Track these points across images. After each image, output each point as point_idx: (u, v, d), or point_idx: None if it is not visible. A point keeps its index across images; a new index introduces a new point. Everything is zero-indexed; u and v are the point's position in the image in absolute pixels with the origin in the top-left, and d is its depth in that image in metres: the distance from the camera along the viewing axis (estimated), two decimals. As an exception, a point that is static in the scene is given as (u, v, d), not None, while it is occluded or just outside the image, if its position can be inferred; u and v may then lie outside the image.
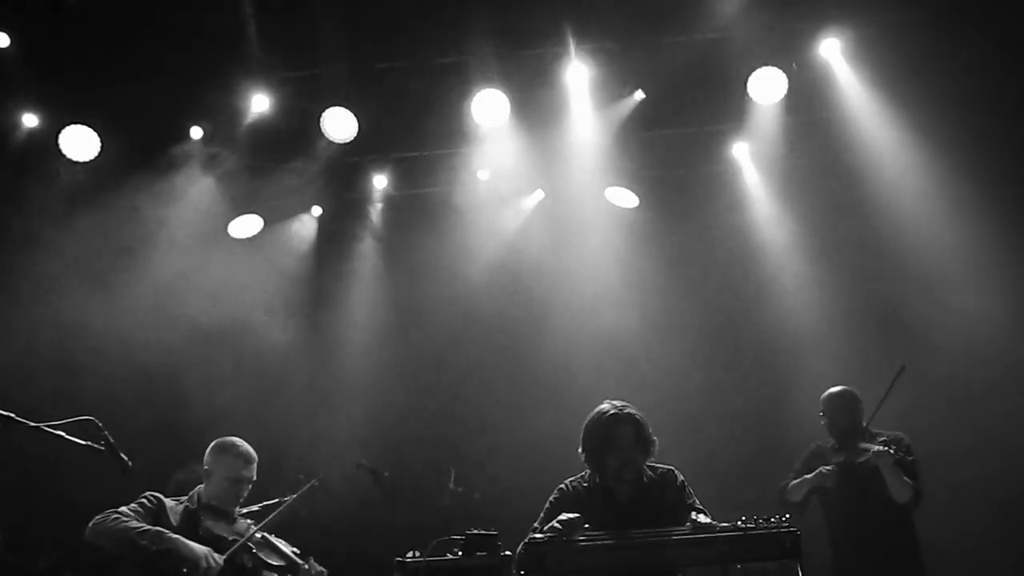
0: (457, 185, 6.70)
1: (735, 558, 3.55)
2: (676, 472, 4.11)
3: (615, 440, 3.94)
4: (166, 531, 3.93)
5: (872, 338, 6.03)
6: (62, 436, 3.57)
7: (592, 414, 4.05)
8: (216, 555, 3.94)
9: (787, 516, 3.56)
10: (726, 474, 5.60)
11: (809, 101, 6.03)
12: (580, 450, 4.05)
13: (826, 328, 6.20)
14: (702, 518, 3.63)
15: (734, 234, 6.62)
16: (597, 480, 4.03)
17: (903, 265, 6.16)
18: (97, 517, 3.95)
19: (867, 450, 4.88)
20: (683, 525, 3.64)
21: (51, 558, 5.99)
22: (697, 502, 3.98)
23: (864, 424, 5.08)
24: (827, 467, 4.93)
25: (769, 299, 6.46)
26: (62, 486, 5.55)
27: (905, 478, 4.82)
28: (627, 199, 6.76)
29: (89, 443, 3.65)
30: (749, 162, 6.58)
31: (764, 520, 3.52)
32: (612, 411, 4.00)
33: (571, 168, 6.55)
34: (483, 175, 6.84)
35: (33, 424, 3.48)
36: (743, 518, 3.55)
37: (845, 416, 5.09)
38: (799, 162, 6.27)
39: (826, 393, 5.21)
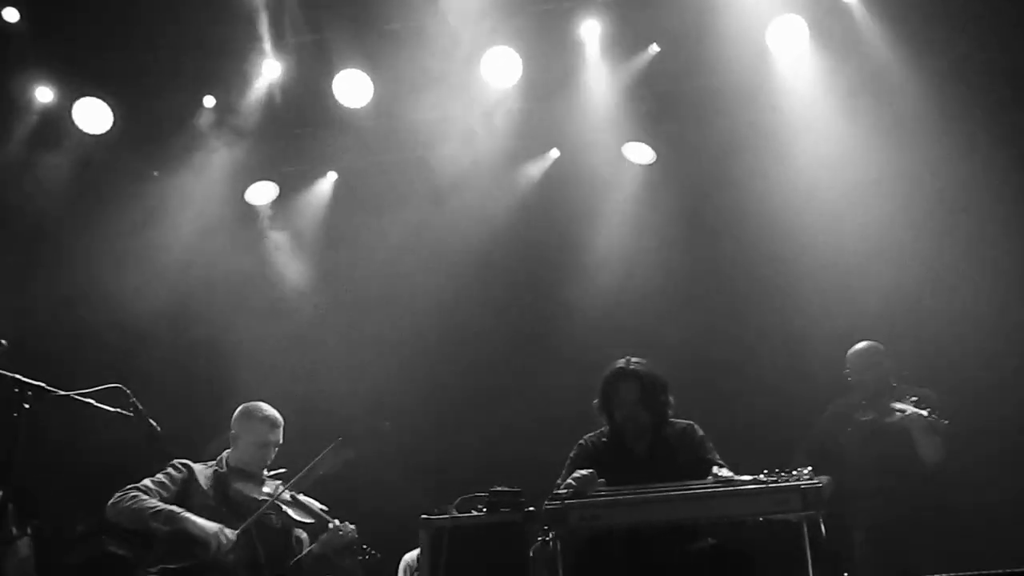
0: (472, 146, 6.67)
1: (757, 512, 3.58)
2: (696, 427, 4.13)
3: (619, 395, 3.99)
4: (179, 511, 3.99)
5: (903, 293, 5.93)
6: (92, 404, 3.64)
7: (607, 368, 4.09)
8: (228, 531, 3.99)
9: (809, 469, 3.58)
10: (747, 432, 5.59)
11: (831, 50, 5.91)
12: (596, 403, 4.10)
13: (854, 283, 6.12)
14: (724, 472, 3.66)
15: (753, 191, 6.55)
16: (614, 435, 4.07)
17: (937, 223, 6.03)
18: (116, 495, 4.03)
19: (898, 411, 4.82)
20: (703, 479, 3.67)
21: (87, 524, 6.12)
22: (717, 457, 4.00)
23: (893, 383, 5.01)
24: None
25: (793, 255, 6.40)
26: (94, 454, 5.65)
27: (937, 438, 4.76)
28: (644, 155, 6.70)
29: (119, 410, 3.72)
30: (769, 115, 6.49)
31: (786, 473, 3.54)
32: (618, 366, 4.04)
33: (586, 125, 6.50)
34: (497, 135, 6.80)
35: (63, 393, 3.55)
36: (765, 471, 3.57)
37: (872, 373, 5.02)
38: (820, 111, 6.15)
39: (852, 349, 5.15)
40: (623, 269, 6.54)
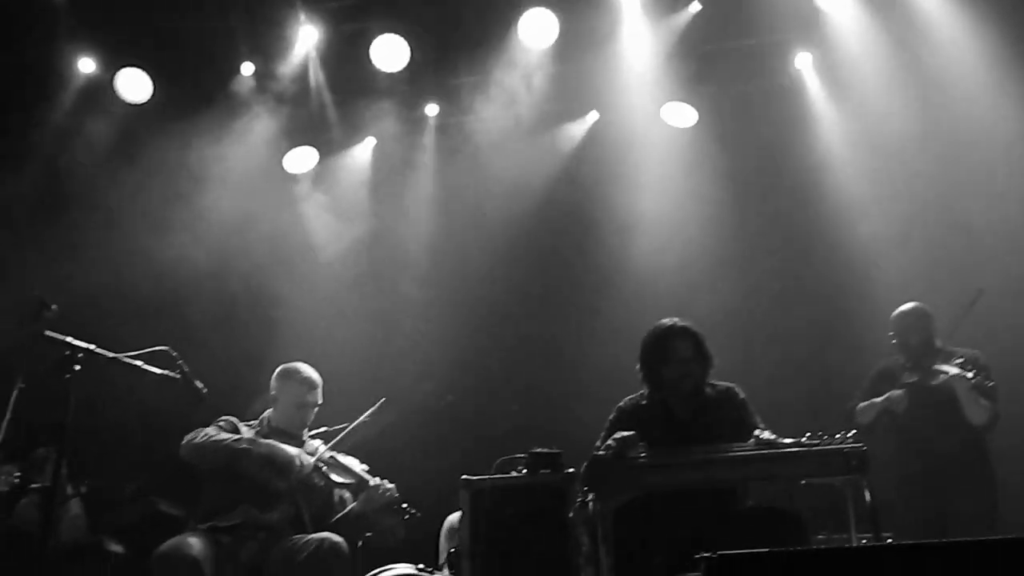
0: (510, 109, 6.63)
1: (799, 474, 3.56)
2: (737, 389, 4.10)
3: (672, 353, 3.95)
4: (257, 439, 4.08)
5: (950, 258, 5.81)
6: (139, 366, 3.73)
7: (650, 329, 4.06)
8: (307, 456, 4.08)
9: (853, 432, 3.55)
10: (790, 396, 5.55)
11: (877, 3, 5.76)
12: (637, 367, 4.07)
13: (897, 248, 6.01)
14: (766, 434, 3.63)
15: (797, 151, 6.44)
16: (655, 397, 4.05)
17: (988, 183, 5.88)
18: (188, 436, 4.11)
19: (943, 372, 4.76)
20: (744, 442, 3.65)
21: (136, 484, 6.28)
22: (759, 420, 3.98)
23: (938, 344, 4.95)
24: (897, 391, 4.84)
25: (834, 218, 6.29)
26: (142, 415, 5.78)
27: (983, 400, 4.70)
28: (685, 117, 6.62)
29: (165, 372, 3.80)
30: (813, 74, 6.36)
31: (829, 437, 3.51)
32: (669, 323, 4.00)
33: (625, 87, 6.42)
34: (536, 97, 6.75)
35: (112, 355, 3.64)
36: (807, 434, 3.54)
37: (917, 335, 4.95)
38: (870, 72, 6.00)
39: (897, 311, 5.08)
40: (663, 233, 6.48)
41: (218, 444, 4.03)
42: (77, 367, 3.46)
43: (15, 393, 3.39)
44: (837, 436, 3.49)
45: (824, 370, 5.85)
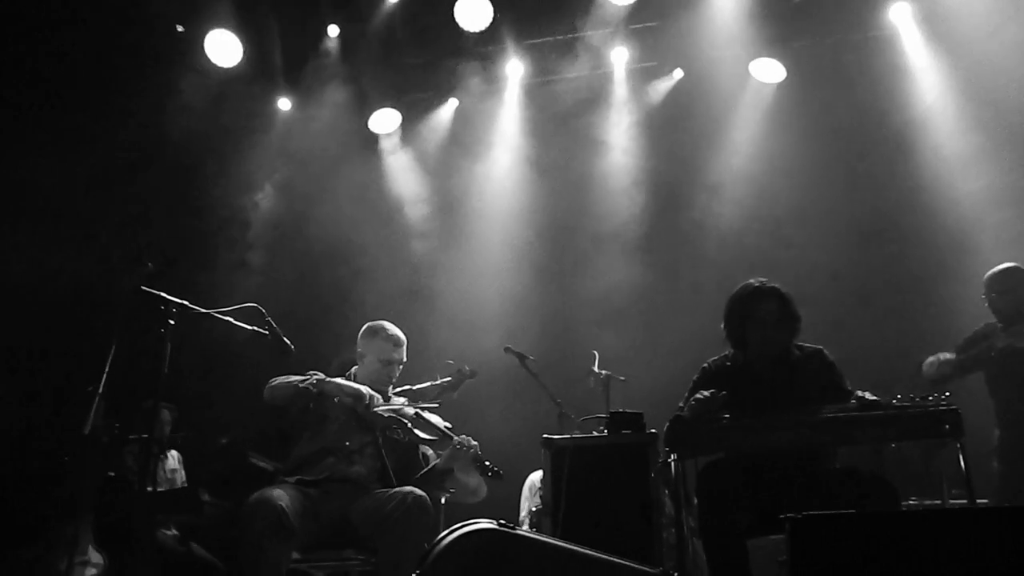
0: (593, 68, 6.54)
1: (889, 437, 3.46)
2: (825, 351, 3.98)
3: (757, 314, 3.84)
4: (325, 377, 4.19)
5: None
6: (231, 321, 3.84)
7: (736, 289, 3.97)
8: (376, 394, 4.18)
9: (946, 394, 3.42)
10: (880, 358, 5.38)
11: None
12: (722, 327, 3.99)
13: (995, 209, 5.74)
14: (868, 395, 3.50)
15: (892, 107, 6.19)
16: (740, 358, 3.97)
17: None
18: (271, 380, 4.23)
19: None
20: (831, 404, 3.56)
21: (229, 437, 6.51)
22: (847, 383, 3.87)
23: None
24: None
25: (930, 177, 6.04)
26: (233, 370, 5.96)
27: None
28: (773, 72, 6.42)
29: (255, 328, 3.90)
30: (912, 24, 6.08)
31: (921, 399, 3.39)
32: (755, 285, 3.90)
33: (712, 44, 6.27)
34: (619, 56, 6.65)
35: (204, 310, 3.75)
36: (898, 396, 3.43)
37: (1008, 297, 4.80)
38: (973, 20, 5.69)
39: (990, 272, 4.91)
40: (751, 191, 6.33)
41: (288, 384, 4.14)
42: (172, 322, 3.57)
43: (114, 347, 3.50)
44: (930, 398, 3.36)
45: (917, 332, 5.64)
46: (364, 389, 4.15)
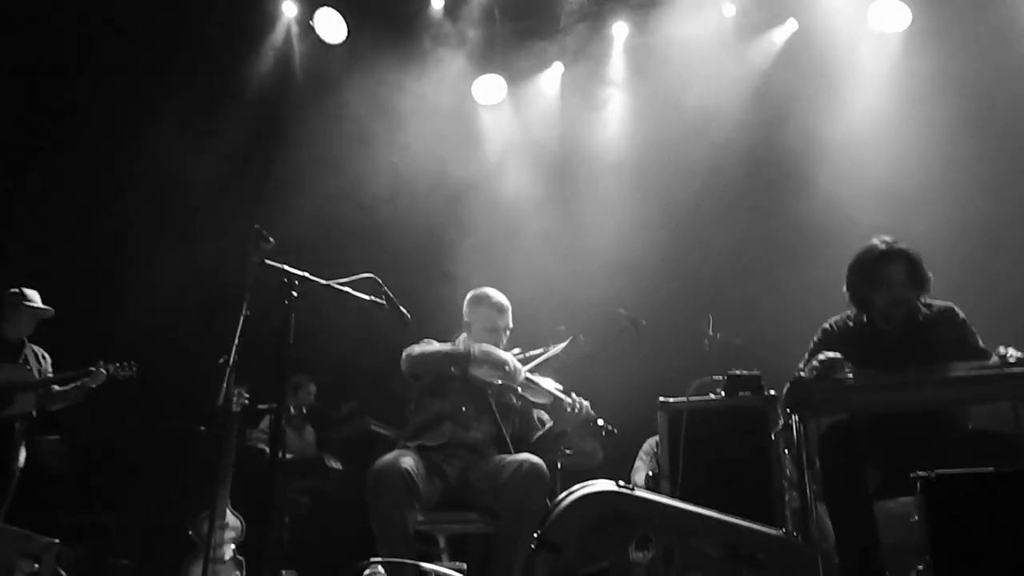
0: (701, 23, 6.37)
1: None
2: (956, 309, 3.80)
3: (885, 277, 3.68)
4: (471, 343, 4.26)
5: None
6: (349, 292, 3.94)
7: (860, 250, 3.82)
8: (517, 361, 4.22)
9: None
10: (1008, 318, 5.10)
11: None
12: (845, 289, 3.85)
13: None
14: (1012, 352, 3.31)
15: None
16: (864, 319, 3.83)
17: None
18: (407, 350, 4.31)
19: None
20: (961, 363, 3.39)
21: (351, 405, 6.73)
22: (980, 341, 3.69)
23: None
24: None
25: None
26: (354, 340, 6.14)
27: None
28: (896, 19, 6.08)
29: (372, 299, 4.00)
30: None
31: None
32: (882, 247, 3.73)
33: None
34: (729, 10, 6.47)
35: (324, 282, 3.86)
36: (1037, 353, 3.24)
37: None
38: None
39: None
40: (873, 146, 6.06)
41: (435, 355, 4.21)
42: (294, 293, 3.70)
43: (242, 319, 3.64)
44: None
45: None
46: (509, 358, 4.18)
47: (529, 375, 4.36)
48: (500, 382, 4.28)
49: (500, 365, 4.16)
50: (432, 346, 4.26)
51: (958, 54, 5.88)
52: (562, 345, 4.51)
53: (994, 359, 3.30)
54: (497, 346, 4.46)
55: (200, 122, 6.62)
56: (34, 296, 5.64)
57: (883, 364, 3.50)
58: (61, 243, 6.72)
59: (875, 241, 3.78)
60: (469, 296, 4.54)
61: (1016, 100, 5.81)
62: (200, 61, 6.71)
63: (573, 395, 4.28)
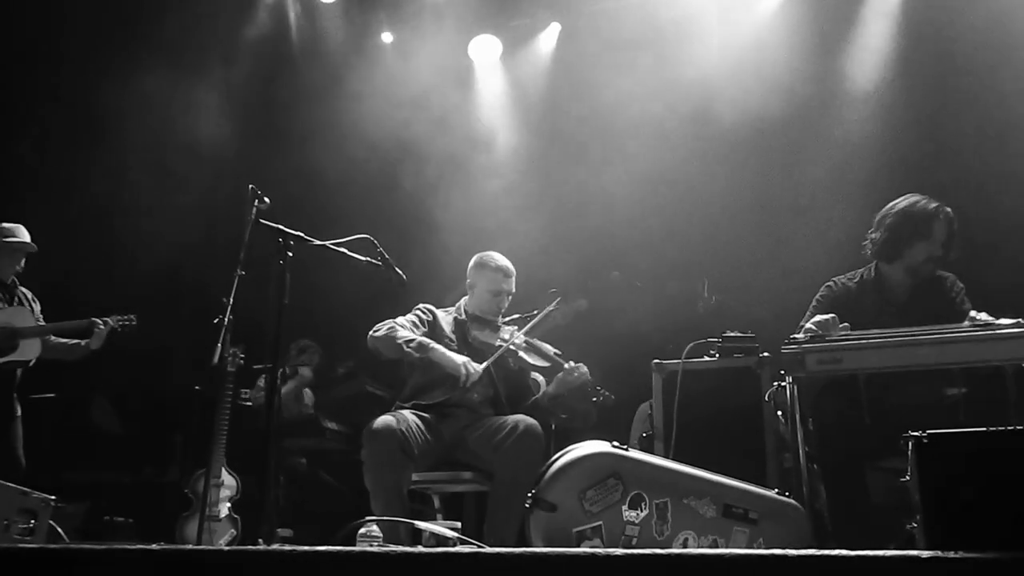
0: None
1: (1015, 358, 3.29)
2: (955, 278, 3.88)
3: (934, 232, 3.73)
4: (430, 342, 4.24)
5: None
6: (345, 252, 3.93)
7: (905, 201, 3.82)
8: (473, 364, 4.20)
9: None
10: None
11: None
12: (875, 233, 3.85)
13: None
14: (982, 315, 3.37)
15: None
16: (868, 277, 3.86)
17: None
18: (376, 326, 4.32)
19: None
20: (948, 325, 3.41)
21: (347, 365, 6.74)
22: (968, 305, 3.73)
23: None
24: None
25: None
26: (349, 300, 6.13)
27: None
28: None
29: (368, 259, 3.99)
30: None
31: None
32: (935, 205, 3.76)
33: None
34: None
35: (320, 242, 3.85)
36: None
37: None
38: None
39: None
40: (884, 102, 5.98)
41: (393, 342, 4.21)
42: (290, 253, 3.69)
43: (236, 279, 3.64)
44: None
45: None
46: (461, 366, 4.17)
47: (528, 339, 4.37)
48: (499, 344, 4.30)
49: (453, 369, 4.16)
50: (395, 332, 4.24)
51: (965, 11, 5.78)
52: (555, 303, 4.51)
53: (965, 323, 3.34)
54: (499, 309, 4.47)
55: (194, 78, 6.58)
56: (16, 230, 5.34)
57: (884, 325, 3.51)
58: (60, 199, 6.72)
59: (926, 199, 3.80)
60: (474, 259, 4.55)
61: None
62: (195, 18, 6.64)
63: (571, 361, 4.31)
